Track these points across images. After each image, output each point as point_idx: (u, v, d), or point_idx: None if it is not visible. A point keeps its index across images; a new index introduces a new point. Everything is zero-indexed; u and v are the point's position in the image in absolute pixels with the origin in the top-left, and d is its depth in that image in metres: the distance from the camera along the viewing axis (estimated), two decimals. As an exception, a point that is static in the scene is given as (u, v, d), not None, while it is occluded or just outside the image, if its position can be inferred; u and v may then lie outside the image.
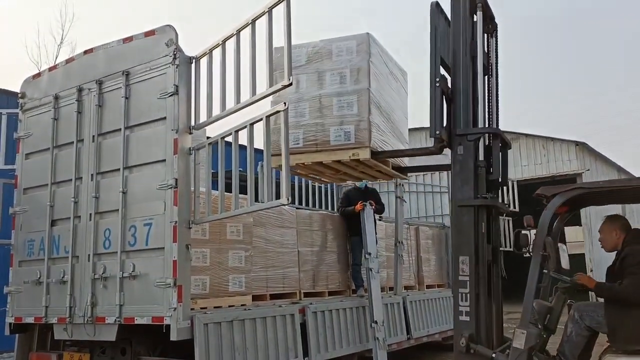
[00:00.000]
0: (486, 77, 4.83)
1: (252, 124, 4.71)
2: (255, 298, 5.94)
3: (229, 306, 5.50)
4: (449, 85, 4.54)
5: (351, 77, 5.58)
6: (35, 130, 6.21)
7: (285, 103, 4.42)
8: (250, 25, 4.67)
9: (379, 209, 7.84)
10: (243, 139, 4.92)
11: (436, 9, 4.63)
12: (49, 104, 6.04)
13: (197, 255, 5.24)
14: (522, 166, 19.94)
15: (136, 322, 4.98)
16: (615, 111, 60.14)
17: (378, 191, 8.50)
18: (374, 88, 5.66)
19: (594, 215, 19.07)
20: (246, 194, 4.85)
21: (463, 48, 4.42)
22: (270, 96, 4.79)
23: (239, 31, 4.78)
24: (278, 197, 4.55)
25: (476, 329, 4.12)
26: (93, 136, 5.62)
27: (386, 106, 6.01)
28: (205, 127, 5.46)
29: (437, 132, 4.26)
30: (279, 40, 4.53)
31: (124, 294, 5.09)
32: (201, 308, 5.20)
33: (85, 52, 5.94)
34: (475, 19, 4.70)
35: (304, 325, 6.03)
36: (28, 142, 6.27)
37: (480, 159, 4.33)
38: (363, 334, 6.95)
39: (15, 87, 7.07)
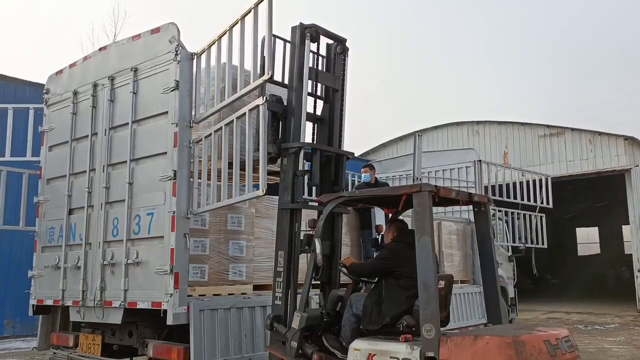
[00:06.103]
0: (336, 95, 5.33)
1: (238, 118, 4.86)
2: (259, 287, 6.06)
3: (229, 294, 5.66)
4: (285, 103, 5.04)
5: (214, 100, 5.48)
6: (57, 124, 6.60)
7: (263, 97, 4.53)
8: (240, 21, 4.80)
9: None
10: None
11: (273, 39, 4.93)
12: (69, 99, 6.41)
13: (197, 244, 5.44)
14: (567, 162, 19.20)
15: (138, 307, 5.25)
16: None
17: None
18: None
19: (642, 212, 18.22)
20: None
21: (296, 70, 4.93)
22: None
23: (231, 27, 4.92)
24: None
25: (285, 312, 4.77)
26: (105, 130, 5.93)
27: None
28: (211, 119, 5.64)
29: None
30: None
31: (128, 280, 5.37)
32: (200, 295, 5.39)
33: (100, 49, 6.26)
34: (312, 44, 5.12)
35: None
36: (51, 135, 6.68)
37: (299, 168, 4.88)
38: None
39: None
